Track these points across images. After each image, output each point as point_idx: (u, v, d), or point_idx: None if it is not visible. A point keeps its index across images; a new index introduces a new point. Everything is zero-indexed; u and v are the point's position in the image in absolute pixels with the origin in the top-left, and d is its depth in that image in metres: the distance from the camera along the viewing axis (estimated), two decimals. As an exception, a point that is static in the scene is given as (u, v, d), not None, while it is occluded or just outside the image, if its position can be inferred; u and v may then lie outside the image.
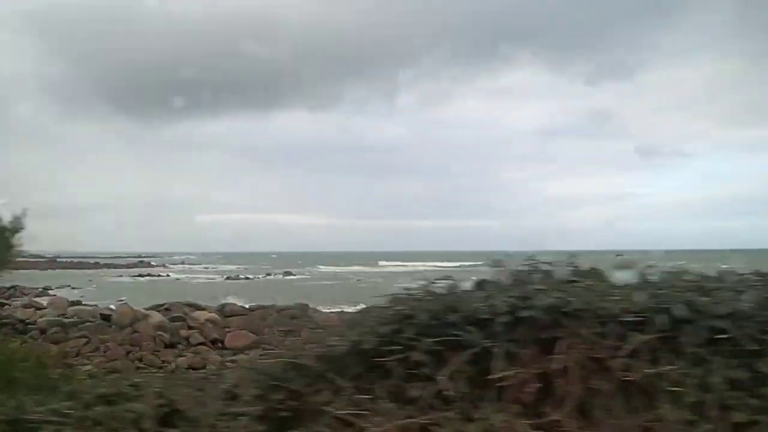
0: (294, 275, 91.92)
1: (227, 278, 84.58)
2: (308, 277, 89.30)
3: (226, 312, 32.74)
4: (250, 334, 27.34)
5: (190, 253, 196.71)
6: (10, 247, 11.60)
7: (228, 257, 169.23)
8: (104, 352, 24.54)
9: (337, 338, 2.98)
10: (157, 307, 31.04)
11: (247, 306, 35.39)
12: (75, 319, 27.65)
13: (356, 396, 2.69)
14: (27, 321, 27.04)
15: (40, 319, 27.13)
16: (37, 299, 33.87)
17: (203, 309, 32.00)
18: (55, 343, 25.24)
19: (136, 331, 26.56)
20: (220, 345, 26.49)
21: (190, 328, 28.01)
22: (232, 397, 2.94)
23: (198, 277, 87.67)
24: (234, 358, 25.12)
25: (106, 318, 28.46)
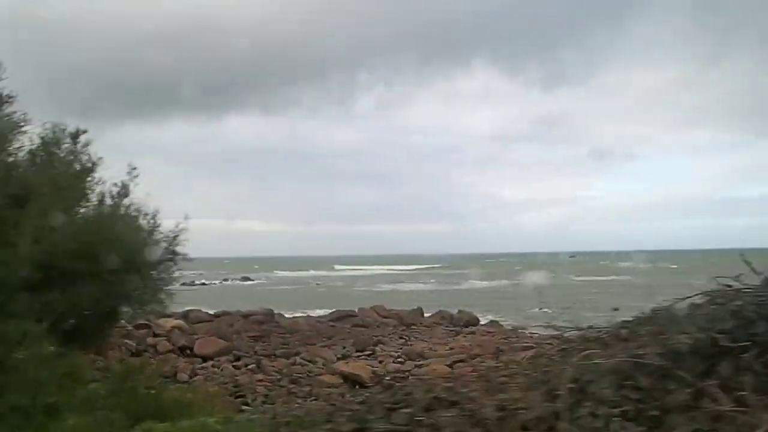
0: (252, 280, 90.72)
1: (182, 284, 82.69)
2: (266, 281, 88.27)
3: (191, 319, 32.15)
4: (220, 340, 26.73)
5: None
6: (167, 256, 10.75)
7: (187, 264, 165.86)
8: (68, 362, 23.60)
9: (684, 335, 2.89)
10: (119, 315, 30.13)
11: (212, 312, 34.78)
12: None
13: (732, 393, 2.64)
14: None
15: None
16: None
17: (168, 316, 31.20)
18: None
19: (100, 340, 25.66)
20: (188, 352, 25.80)
21: (155, 335, 27.27)
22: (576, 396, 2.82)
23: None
24: (204, 365, 24.60)
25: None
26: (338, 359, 26.38)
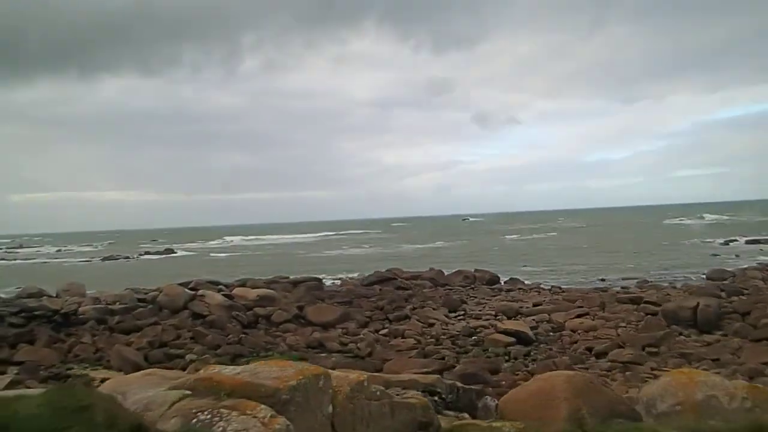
0: (175, 253, 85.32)
1: (104, 259, 76.30)
2: (195, 254, 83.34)
3: (250, 287, 29.71)
4: (333, 307, 24.91)
5: (6, 236, 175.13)
6: None
7: (61, 238, 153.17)
8: (192, 338, 20.88)
9: None
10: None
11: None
12: (118, 305, 23.27)
13: None
14: (64, 311, 22.20)
15: (83, 308, 22.41)
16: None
17: (225, 286, 28.74)
18: (127, 333, 21.14)
19: (202, 316, 23.05)
20: (302, 321, 23.79)
21: (245, 307, 24.94)
22: None
23: (71, 260, 78.12)
24: (329, 334, 22.81)
25: (143, 301, 24.48)
26: (448, 319, 25.60)
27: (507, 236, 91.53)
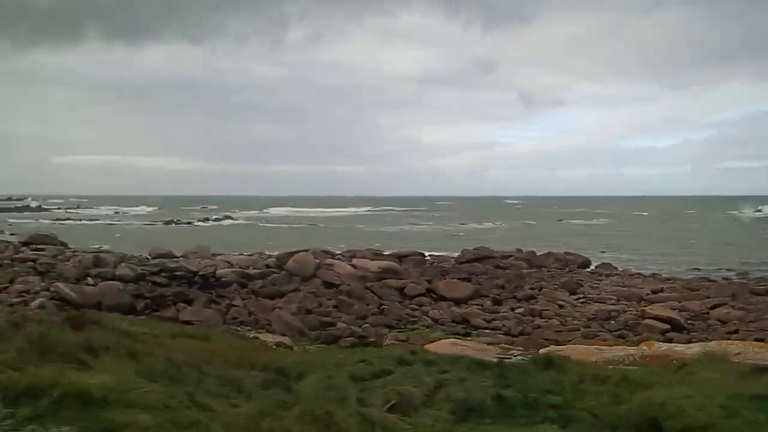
0: (234, 220, 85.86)
1: (166, 223, 77.00)
2: (250, 223, 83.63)
3: (359, 257, 29.41)
4: (465, 283, 24.53)
5: (52, 196, 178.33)
6: None
7: (105, 201, 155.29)
8: (334, 306, 20.65)
9: None
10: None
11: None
12: (252, 270, 23.15)
13: None
14: (202, 273, 22.14)
15: (221, 271, 22.31)
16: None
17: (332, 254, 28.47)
18: (271, 297, 20.98)
19: (333, 284, 22.79)
20: (433, 296, 23.42)
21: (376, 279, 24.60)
22: None
23: (134, 222, 79.00)
24: (467, 310, 22.39)
25: (268, 267, 24.32)
26: (574, 301, 25.03)
27: (571, 220, 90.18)
